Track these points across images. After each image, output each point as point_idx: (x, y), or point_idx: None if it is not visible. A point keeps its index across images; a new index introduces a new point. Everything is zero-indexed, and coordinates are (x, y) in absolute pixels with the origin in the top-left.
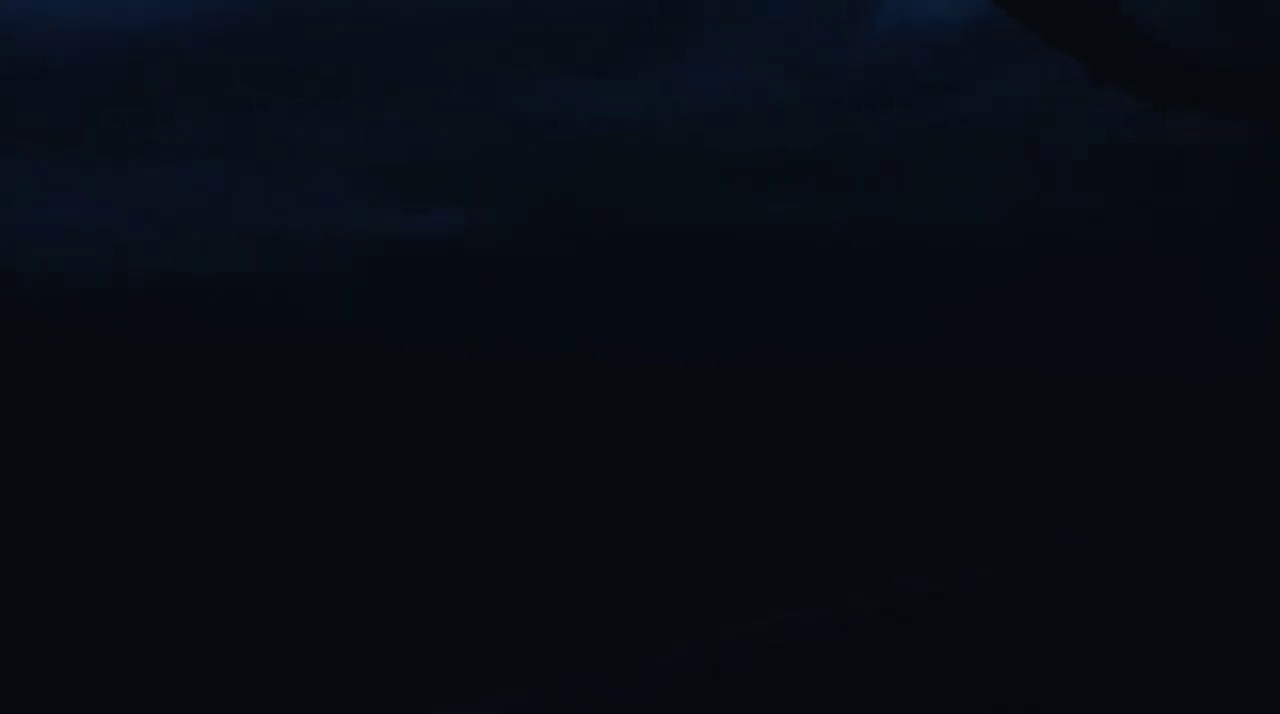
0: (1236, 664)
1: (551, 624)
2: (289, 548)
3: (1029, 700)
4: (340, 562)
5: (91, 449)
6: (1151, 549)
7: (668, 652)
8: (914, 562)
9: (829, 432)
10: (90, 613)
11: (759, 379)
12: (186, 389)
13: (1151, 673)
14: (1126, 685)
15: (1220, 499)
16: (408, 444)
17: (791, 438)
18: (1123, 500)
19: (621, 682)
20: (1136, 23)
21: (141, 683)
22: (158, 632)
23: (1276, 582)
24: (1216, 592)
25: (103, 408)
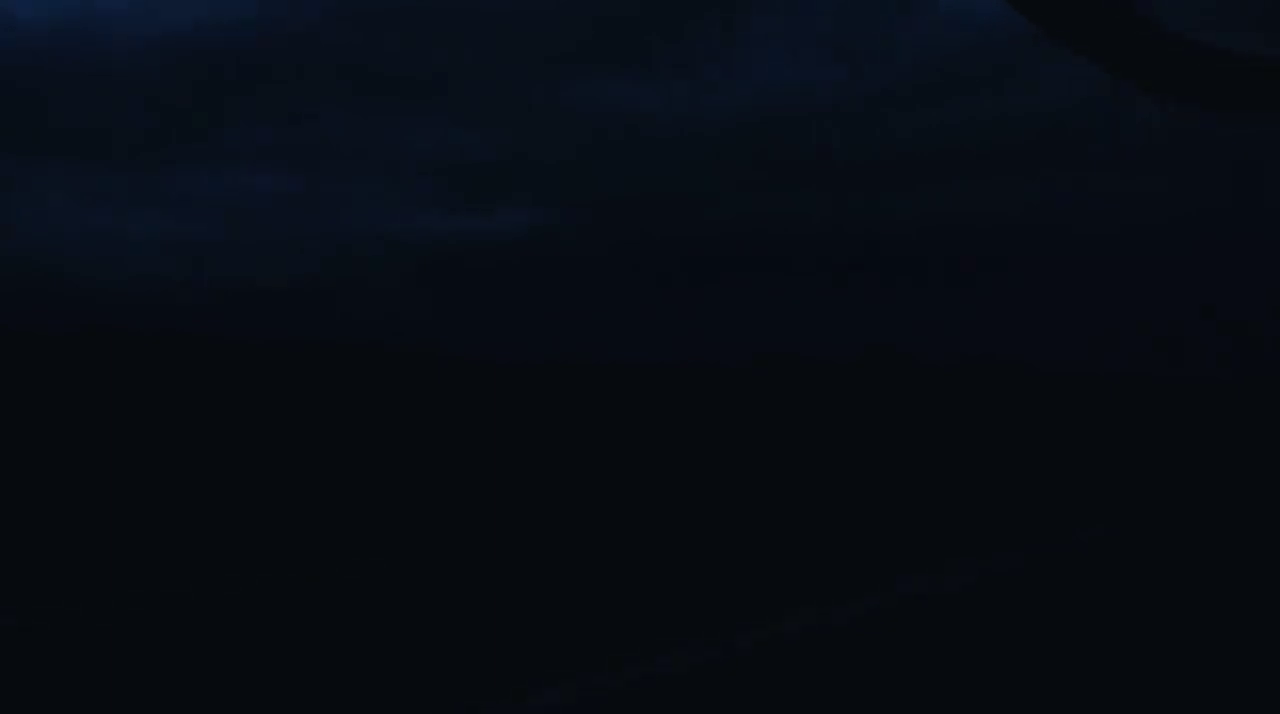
0: (1254, 663)
1: (570, 625)
2: (330, 548)
3: (1043, 700)
4: (392, 565)
5: (166, 451)
6: (1169, 548)
7: (682, 655)
8: (926, 562)
9: (850, 428)
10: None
11: (801, 374)
12: (257, 394)
13: (1169, 672)
14: (1144, 685)
15: (1237, 498)
16: (465, 449)
17: (812, 435)
18: (1138, 500)
19: (629, 685)
20: (1159, 21)
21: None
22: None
23: None
24: (1234, 590)
25: (176, 411)
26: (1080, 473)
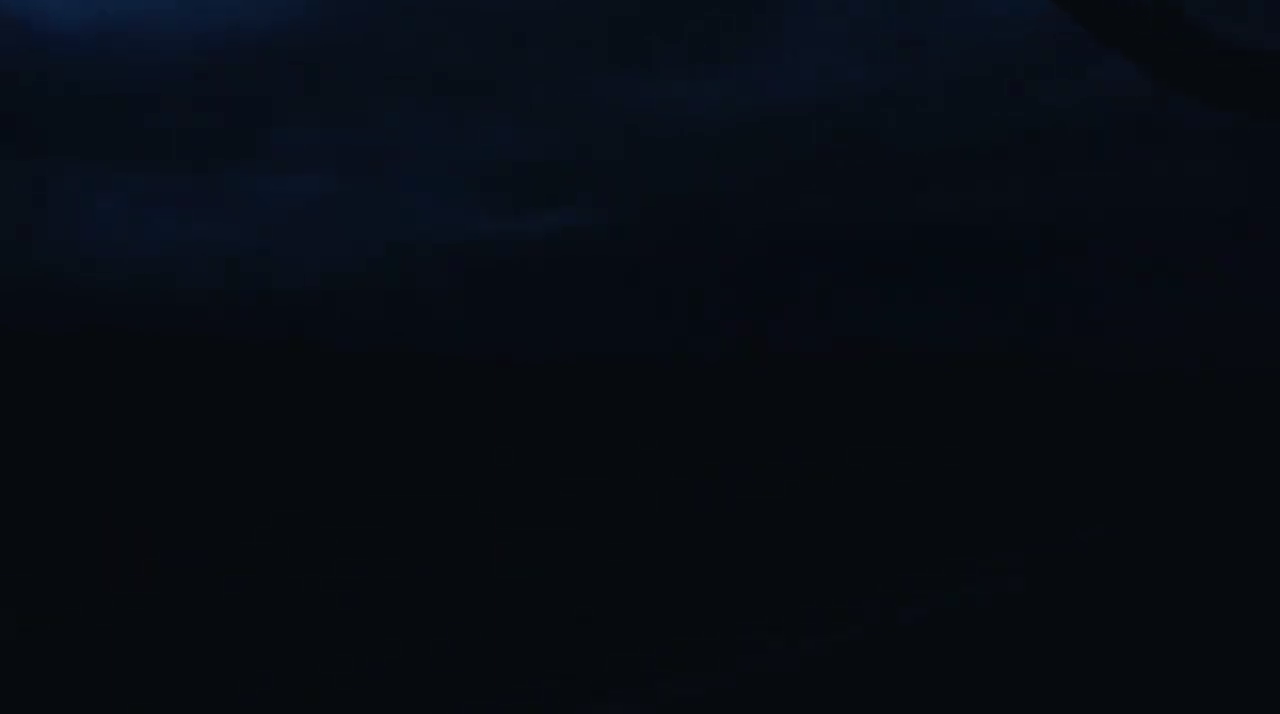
0: (1261, 665)
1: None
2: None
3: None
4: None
5: (210, 458)
6: (1175, 547)
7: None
8: (925, 566)
9: (846, 425)
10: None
11: (819, 370)
12: (301, 400)
13: (1176, 674)
14: (1151, 689)
15: (1243, 494)
16: (519, 453)
17: (806, 430)
18: (1142, 497)
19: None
20: (1200, 22)
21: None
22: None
23: None
24: (1242, 590)
25: (223, 418)
26: (1094, 471)
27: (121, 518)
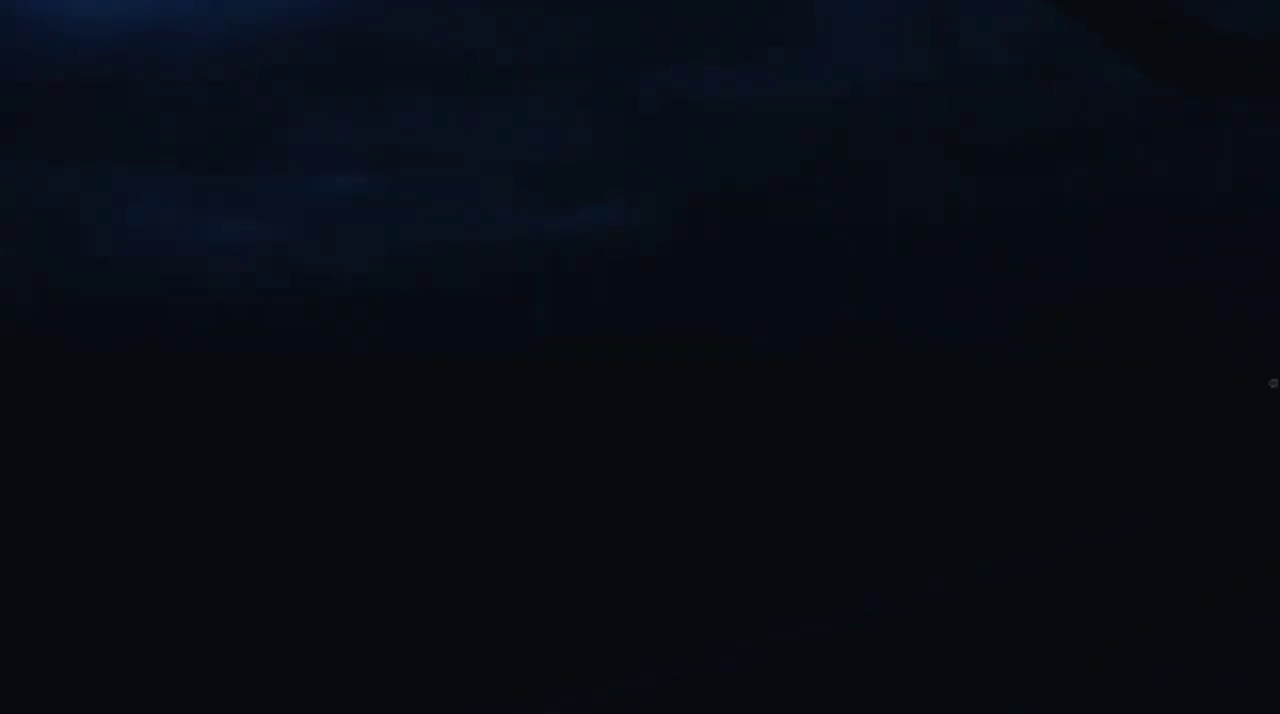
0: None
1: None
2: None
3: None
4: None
5: (238, 465)
6: (1196, 540)
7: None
8: (943, 560)
9: (842, 421)
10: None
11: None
12: (333, 406)
13: (1196, 667)
14: (1170, 682)
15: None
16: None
17: (811, 428)
18: (1167, 489)
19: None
20: (1189, 13)
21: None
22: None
23: None
24: (1261, 583)
25: (250, 426)
26: (1118, 464)
27: (137, 518)
